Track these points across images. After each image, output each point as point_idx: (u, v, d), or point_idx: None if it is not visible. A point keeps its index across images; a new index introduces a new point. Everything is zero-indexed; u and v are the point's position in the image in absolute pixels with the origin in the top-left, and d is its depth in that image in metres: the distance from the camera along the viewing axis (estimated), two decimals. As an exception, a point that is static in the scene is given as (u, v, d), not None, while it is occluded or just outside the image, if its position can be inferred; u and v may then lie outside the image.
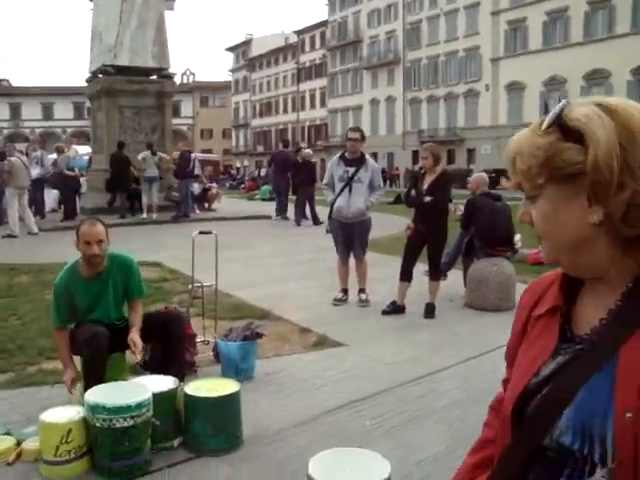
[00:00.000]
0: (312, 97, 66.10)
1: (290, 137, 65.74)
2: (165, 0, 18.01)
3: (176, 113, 76.31)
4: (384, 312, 6.52)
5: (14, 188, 13.03)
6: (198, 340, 5.08)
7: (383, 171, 32.34)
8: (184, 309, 5.37)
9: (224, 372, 4.63)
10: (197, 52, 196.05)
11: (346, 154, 6.99)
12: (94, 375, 3.64)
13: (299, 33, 67.10)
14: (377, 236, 11.51)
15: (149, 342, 4.10)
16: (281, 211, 16.21)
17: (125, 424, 3.11)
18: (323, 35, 63.35)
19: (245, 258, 10.22)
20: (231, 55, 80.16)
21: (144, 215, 15.52)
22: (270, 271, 9.11)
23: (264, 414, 3.94)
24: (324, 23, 62.84)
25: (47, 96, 71.15)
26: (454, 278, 7.45)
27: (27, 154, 15.46)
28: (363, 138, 7.00)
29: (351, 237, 7.02)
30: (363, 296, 7.03)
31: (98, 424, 3.14)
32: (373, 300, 6.96)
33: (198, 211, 17.25)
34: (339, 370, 4.80)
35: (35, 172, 14.84)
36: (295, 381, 4.58)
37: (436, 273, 6.56)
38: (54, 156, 16.19)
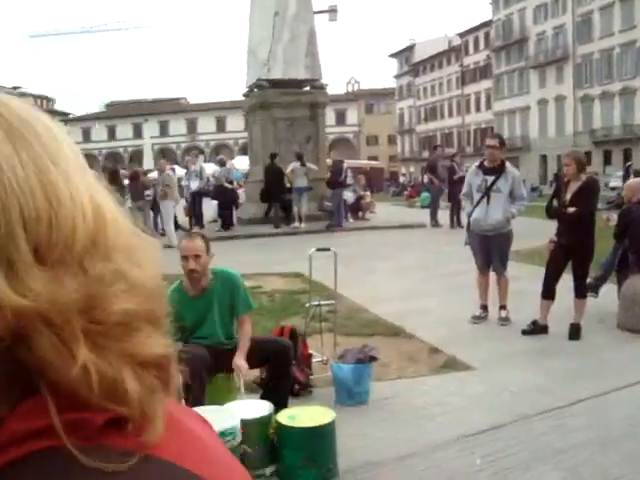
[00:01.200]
0: (477, 100, 64.33)
1: (456, 141, 64.62)
2: (327, 12, 18.31)
3: (341, 121, 78.50)
4: (524, 332, 6.02)
5: (171, 201, 13.84)
6: (316, 360, 4.97)
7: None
8: (308, 323, 5.25)
9: (337, 395, 4.48)
10: (361, 60, 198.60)
11: (485, 162, 6.57)
12: (192, 398, 3.62)
13: (462, 35, 65.64)
14: (527, 244, 10.81)
15: (254, 368, 4.04)
16: (432, 218, 15.92)
17: (210, 451, 3.05)
18: (487, 36, 61.44)
19: (388, 270, 10.03)
20: (394, 61, 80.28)
21: (296, 224, 15.82)
22: (412, 284, 8.83)
23: (366, 444, 3.73)
24: (488, 23, 60.95)
25: (219, 110, 75.56)
26: (608, 295, 6.73)
27: (187, 167, 16.39)
28: (502, 145, 6.55)
29: (490, 250, 6.59)
30: (503, 313, 6.55)
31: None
32: (515, 318, 6.46)
33: (352, 220, 17.30)
34: (460, 398, 4.46)
35: (195, 184, 15.70)
36: (409, 408, 4.31)
37: (581, 291, 5.94)
38: (213, 168, 17.01)
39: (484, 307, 6.69)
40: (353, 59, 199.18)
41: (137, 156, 70.26)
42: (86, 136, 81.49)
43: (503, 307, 6.58)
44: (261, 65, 17.08)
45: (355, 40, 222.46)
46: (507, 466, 3.38)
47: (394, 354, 5.59)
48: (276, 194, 15.90)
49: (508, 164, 6.53)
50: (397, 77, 79.22)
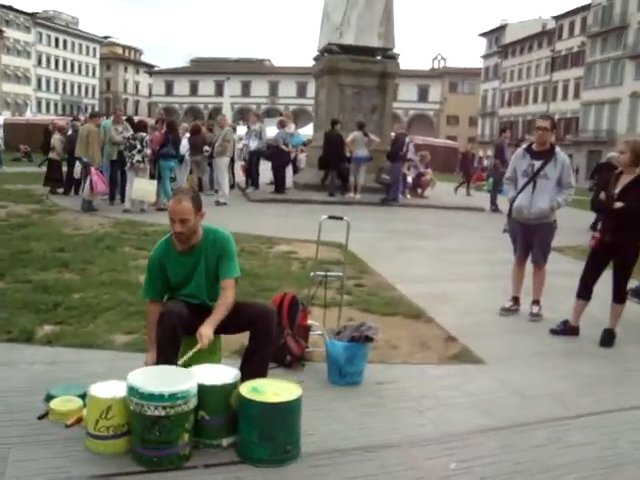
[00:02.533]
0: (565, 88, 61.53)
1: (536, 129, 62.01)
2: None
3: (423, 97, 77.10)
4: (552, 331, 5.58)
5: (227, 157, 13.76)
6: (315, 332, 4.71)
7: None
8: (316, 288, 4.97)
9: (328, 373, 4.23)
10: (450, 36, 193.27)
11: (533, 145, 6.08)
12: (162, 355, 3.44)
13: (557, 18, 62.64)
14: (574, 238, 10.18)
15: (235, 333, 3.80)
16: (492, 203, 15.38)
17: (156, 413, 2.86)
18: (584, 21, 58.38)
19: (430, 250, 9.66)
20: (484, 41, 77.73)
21: (351, 194, 15.50)
22: (449, 267, 8.44)
23: (341, 429, 3.46)
24: (586, 7, 57.92)
25: (302, 75, 75.23)
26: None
27: (248, 127, 16.24)
28: (554, 127, 6.03)
29: (531, 240, 6.13)
30: (535, 309, 6.11)
31: (131, 407, 2.93)
32: (547, 315, 6.03)
33: (409, 196, 16.84)
34: (458, 393, 4.11)
35: (254, 144, 15.54)
36: (401, 397, 4.00)
37: (620, 294, 5.44)
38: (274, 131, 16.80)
39: (515, 299, 6.27)
40: (442, 35, 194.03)
41: (216, 113, 71.12)
42: (169, 89, 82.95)
43: (536, 302, 6.14)
44: (333, 29, 16.67)
45: (446, 15, 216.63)
46: (484, 475, 3.04)
47: (407, 337, 5.28)
48: (334, 162, 15.59)
49: (558, 149, 6.01)
50: (485, 57, 76.75)
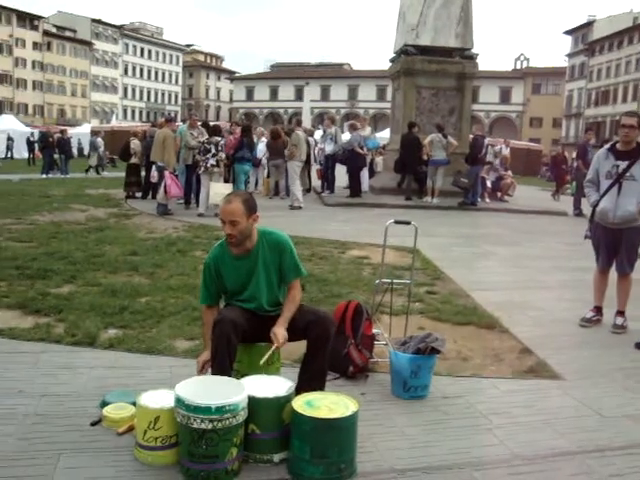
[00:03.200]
0: (658, 86, 58.68)
1: (626, 129, 59.28)
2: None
3: (505, 99, 75.23)
4: (637, 346, 5.16)
5: (298, 162, 13.71)
6: (380, 342, 4.51)
7: None
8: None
9: (392, 385, 4.02)
10: (533, 36, 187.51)
11: (617, 145, 5.67)
12: (216, 362, 3.33)
13: (650, 12, 59.89)
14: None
15: (292, 341, 3.66)
16: (575, 207, 14.75)
17: (202, 426, 2.74)
18: (680, 13, 55.55)
19: (507, 256, 9.27)
20: (569, 39, 75.04)
21: (428, 198, 15.17)
22: (527, 274, 8.04)
23: (401, 446, 3.24)
24: (683, 0, 54.98)
25: (382, 78, 74.97)
26: None
27: (324, 131, 16.16)
28: (641, 125, 5.60)
29: (616, 246, 5.72)
30: (619, 320, 5.69)
31: (178, 419, 2.82)
32: (633, 327, 5.60)
33: (488, 200, 16.32)
34: (533, 411, 3.82)
35: (329, 148, 15.46)
36: (469, 413, 3.75)
37: None
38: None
39: (598, 309, 5.86)
40: (524, 34, 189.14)
41: (296, 118, 71.85)
42: (249, 95, 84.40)
43: (621, 313, 5.71)
44: (409, 30, 16.36)
45: (528, 14, 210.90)
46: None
47: (479, 348, 5.00)
48: (411, 165, 15.30)
49: (646, 148, 5.57)
50: (570, 56, 74.08)
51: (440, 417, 3.67)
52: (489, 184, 16.69)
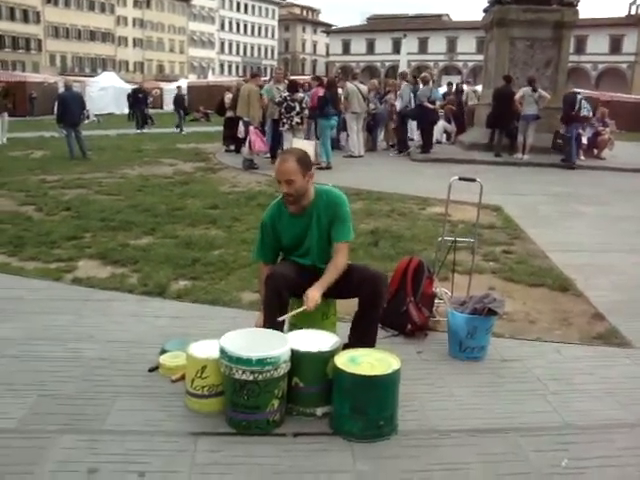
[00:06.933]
0: None
1: None
2: None
3: (616, 49, 70.43)
4: None
5: (350, 113, 14.20)
6: (440, 301, 4.45)
7: None
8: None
9: (449, 345, 3.97)
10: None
11: None
12: (268, 317, 3.39)
13: None
14: None
15: (347, 298, 3.65)
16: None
17: (244, 377, 2.81)
18: None
19: (596, 217, 8.83)
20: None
21: (519, 155, 14.62)
22: (615, 237, 7.63)
23: (449, 407, 3.22)
24: None
25: (480, 30, 72.32)
26: None
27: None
28: None
29: None
30: None
31: (222, 369, 2.91)
32: None
33: (583, 157, 15.50)
34: (594, 379, 3.67)
35: (399, 105, 15.41)
36: (525, 377, 3.65)
37: None
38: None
39: (684, 276, 5.53)
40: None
41: (393, 71, 70.64)
42: (345, 48, 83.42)
43: None
44: (504, -23, 15.54)
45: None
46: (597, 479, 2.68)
47: (548, 311, 4.84)
48: (503, 120, 14.75)
49: None
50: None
51: (493, 380, 3.60)
52: (585, 140, 15.81)
